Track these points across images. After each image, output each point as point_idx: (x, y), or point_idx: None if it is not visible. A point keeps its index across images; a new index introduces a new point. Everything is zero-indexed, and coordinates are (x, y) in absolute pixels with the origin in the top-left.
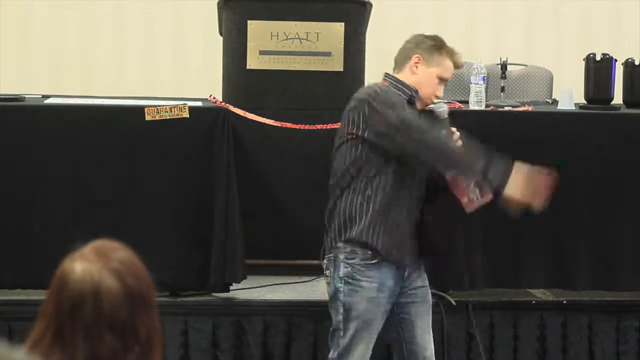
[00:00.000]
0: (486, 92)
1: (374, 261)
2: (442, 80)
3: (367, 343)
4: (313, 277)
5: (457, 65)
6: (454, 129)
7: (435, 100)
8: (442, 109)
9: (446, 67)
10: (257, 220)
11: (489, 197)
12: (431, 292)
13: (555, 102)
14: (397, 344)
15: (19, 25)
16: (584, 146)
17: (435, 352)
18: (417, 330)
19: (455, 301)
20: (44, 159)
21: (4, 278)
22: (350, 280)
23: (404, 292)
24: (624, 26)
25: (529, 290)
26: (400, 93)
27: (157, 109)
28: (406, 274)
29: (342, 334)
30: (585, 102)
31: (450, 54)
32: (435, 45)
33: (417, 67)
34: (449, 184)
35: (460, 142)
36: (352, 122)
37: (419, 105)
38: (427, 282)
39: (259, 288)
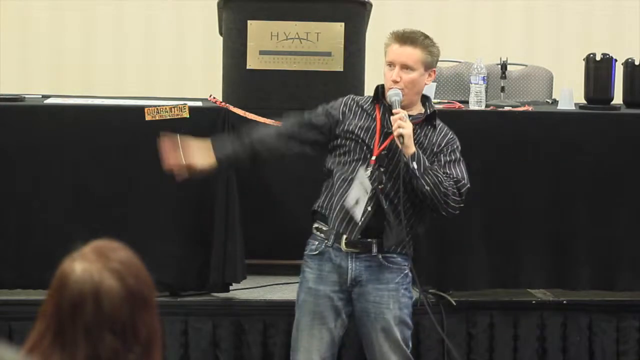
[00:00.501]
0: (486, 92)
1: (316, 252)
2: (390, 65)
3: (310, 336)
4: None
5: (398, 39)
6: (398, 111)
7: (391, 87)
8: (393, 94)
9: (389, 52)
10: (257, 220)
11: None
12: (431, 292)
13: (555, 102)
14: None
15: (19, 25)
16: (584, 146)
17: (435, 352)
18: (375, 345)
19: (455, 301)
20: (44, 159)
21: (4, 278)
22: (302, 269)
23: (355, 300)
24: (624, 26)
25: (529, 290)
26: (372, 96)
27: (157, 109)
28: (352, 273)
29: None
30: (585, 102)
31: (392, 37)
32: (385, 43)
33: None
34: None
35: (403, 123)
36: None
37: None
38: (386, 299)
39: (259, 288)
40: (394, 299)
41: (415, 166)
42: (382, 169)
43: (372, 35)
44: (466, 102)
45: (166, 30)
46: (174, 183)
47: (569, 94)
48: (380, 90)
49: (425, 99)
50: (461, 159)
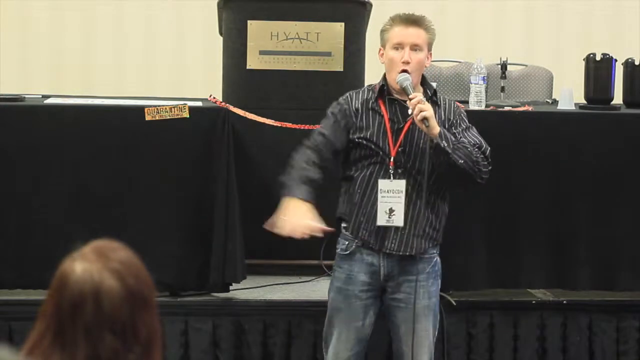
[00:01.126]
0: (486, 92)
1: (346, 252)
2: (398, 46)
3: (339, 333)
4: (313, 277)
5: (402, 21)
6: (415, 95)
7: (400, 72)
8: (403, 79)
9: (395, 34)
10: (257, 220)
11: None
12: None
13: (555, 102)
14: (394, 346)
15: (19, 25)
16: (584, 146)
17: (435, 352)
18: (403, 337)
19: (455, 301)
20: (44, 159)
21: (4, 278)
22: (333, 267)
23: (388, 293)
24: (624, 26)
25: (529, 290)
26: (372, 89)
27: (157, 109)
28: (385, 271)
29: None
30: (585, 102)
31: (394, 20)
32: (384, 30)
33: (382, 58)
34: None
35: (423, 106)
36: None
37: (393, 91)
38: (418, 289)
39: (259, 288)
40: (424, 289)
41: (445, 144)
42: (399, 170)
43: (372, 35)
44: (466, 102)
45: (166, 30)
46: (175, 183)
47: (569, 94)
48: (386, 82)
49: (424, 80)
50: (471, 125)
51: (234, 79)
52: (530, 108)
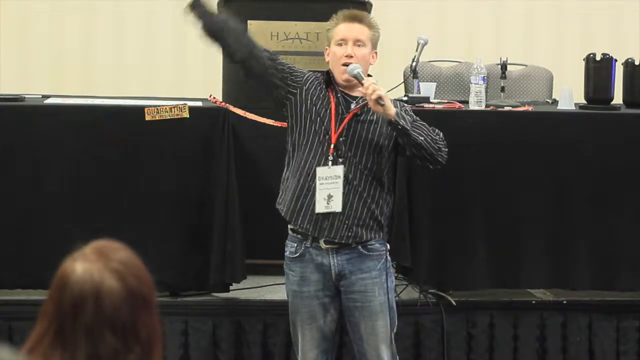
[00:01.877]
0: (486, 92)
1: (296, 254)
2: (341, 42)
3: (303, 334)
4: None
5: (346, 18)
6: (368, 79)
7: (349, 63)
8: (353, 67)
9: (339, 31)
10: (257, 220)
11: None
12: (431, 292)
13: (555, 102)
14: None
15: (19, 25)
16: (584, 146)
17: (435, 352)
18: (363, 335)
19: (455, 301)
20: (44, 159)
21: (4, 278)
22: (284, 271)
23: (342, 293)
24: (624, 26)
25: (529, 290)
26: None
27: (157, 109)
28: (335, 270)
29: None
30: (585, 102)
31: (338, 18)
32: (328, 28)
33: (327, 57)
34: None
35: (377, 87)
36: None
37: (337, 86)
38: (371, 287)
39: (259, 288)
40: (378, 285)
41: (403, 122)
42: (340, 159)
43: None
44: (466, 102)
45: (166, 30)
46: (175, 184)
47: (569, 94)
48: (332, 76)
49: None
50: (419, 119)
51: (234, 79)
52: (530, 108)
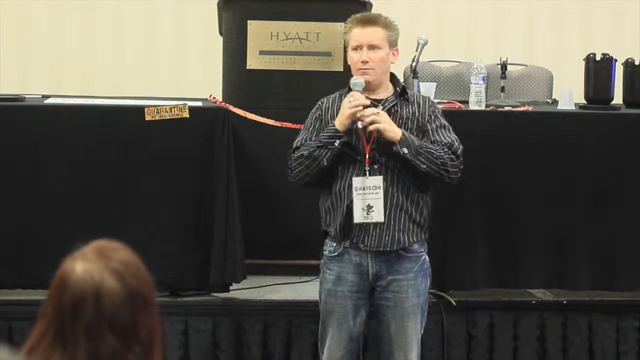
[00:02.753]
0: (486, 92)
1: (334, 254)
2: (356, 49)
3: (332, 334)
4: (313, 277)
5: (359, 22)
6: (353, 94)
7: (360, 70)
8: (354, 82)
9: (353, 37)
10: (257, 220)
11: None
12: (431, 292)
13: (555, 102)
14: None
15: (19, 25)
16: (584, 146)
17: (435, 352)
18: (392, 335)
19: (455, 301)
20: (44, 159)
21: (4, 278)
22: (321, 270)
23: (377, 292)
24: (624, 26)
25: (529, 290)
26: (342, 93)
27: (157, 109)
28: (373, 270)
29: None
30: (585, 102)
31: (352, 22)
32: (344, 32)
33: (349, 60)
34: None
35: (377, 118)
36: None
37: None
38: (405, 288)
39: (259, 288)
40: (412, 287)
41: (406, 151)
42: (375, 166)
43: None
44: (466, 102)
45: (166, 30)
46: (175, 184)
47: (569, 94)
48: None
49: (393, 77)
50: (446, 123)
51: (234, 79)
52: (530, 108)
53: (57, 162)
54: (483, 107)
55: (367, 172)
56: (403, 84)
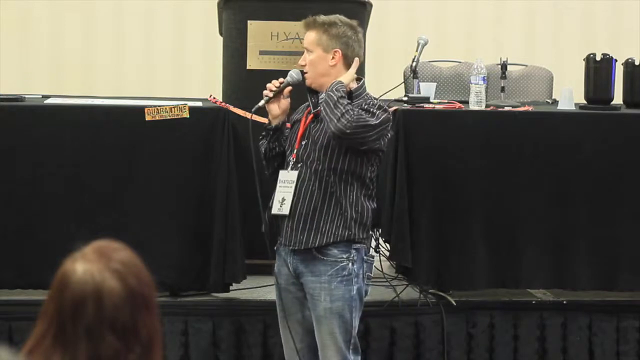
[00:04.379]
0: (486, 92)
1: (276, 249)
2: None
3: (283, 327)
4: None
5: (303, 26)
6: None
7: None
8: (291, 72)
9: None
10: (257, 221)
11: None
12: (431, 292)
13: (555, 102)
14: None
15: (19, 25)
16: (584, 146)
17: (435, 352)
18: (315, 331)
19: (455, 301)
20: (44, 159)
21: (4, 278)
22: None
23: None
24: (624, 26)
25: (529, 290)
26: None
27: (157, 109)
28: (291, 267)
29: None
30: (585, 102)
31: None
32: None
33: None
34: None
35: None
36: None
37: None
38: (318, 291)
39: (259, 288)
40: (325, 291)
41: (321, 104)
42: (299, 163)
43: (372, 35)
44: (466, 102)
45: (166, 30)
46: (175, 184)
47: (569, 94)
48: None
49: (359, 81)
50: (374, 110)
51: (234, 79)
52: (530, 108)
53: (57, 162)
54: (483, 107)
55: (290, 166)
56: (353, 91)
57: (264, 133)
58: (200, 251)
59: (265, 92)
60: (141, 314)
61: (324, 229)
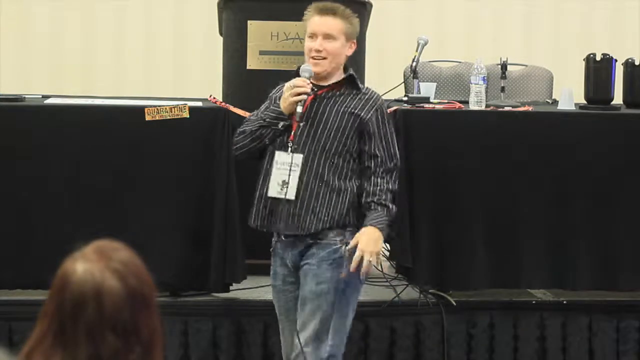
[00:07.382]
0: (486, 92)
1: (271, 249)
2: (312, 36)
3: (282, 328)
4: None
5: (318, 11)
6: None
7: (318, 57)
8: (305, 68)
9: (311, 24)
10: None
11: None
12: (431, 292)
13: (555, 102)
14: None
15: (19, 25)
16: (584, 146)
17: (435, 352)
18: (299, 314)
19: (455, 301)
20: (44, 159)
21: (4, 278)
22: None
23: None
24: (624, 26)
25: (529, 290)
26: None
27: (157, 109)
28: (290, 262)
29: None
30: (585, 102)
31: (312, 10)
32: (304, 19)
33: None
34: None
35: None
36: None
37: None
38: (305, 273)
39: (259, 288)
40: (312, 272)
41: (388, 231)
42: (297, 146)
43: (372, 35)
44: (466, 102)
45: (166, 30)
46: (175, 183)
47: (569, 94)
48: (297, 71)
49: (348, 71)
50: (391, 130)
51: (234, 79)
52: (530, 108)
53: (57, 162)
54: (483, 107)
55: (290, 149)
56: (355, 76)
57: (275, 126)
58: (200, 251)
59: (299, 94)
60: (141, 314)
61: (320, 214)
